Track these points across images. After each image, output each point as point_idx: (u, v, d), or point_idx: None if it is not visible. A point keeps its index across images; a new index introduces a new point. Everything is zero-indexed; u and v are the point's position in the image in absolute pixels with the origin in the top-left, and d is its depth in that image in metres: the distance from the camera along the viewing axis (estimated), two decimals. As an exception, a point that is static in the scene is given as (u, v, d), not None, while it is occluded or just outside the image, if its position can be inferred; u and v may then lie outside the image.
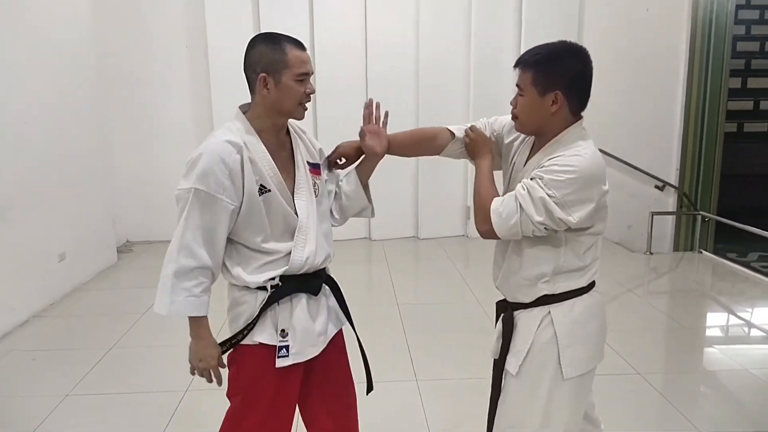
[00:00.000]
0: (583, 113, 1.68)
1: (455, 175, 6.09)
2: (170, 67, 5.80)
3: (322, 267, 1.79)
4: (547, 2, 5.76)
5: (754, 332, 4.02)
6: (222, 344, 1.69)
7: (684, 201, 6.17)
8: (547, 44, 1.64)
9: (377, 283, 4.93)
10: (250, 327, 1.69)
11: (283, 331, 1.71)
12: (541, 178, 1.55)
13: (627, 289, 4.70)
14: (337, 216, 1.94)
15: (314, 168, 1.81)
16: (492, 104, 5.91)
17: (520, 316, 1.75)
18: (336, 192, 1.94)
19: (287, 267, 1.69)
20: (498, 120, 1.90)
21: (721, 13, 5.91)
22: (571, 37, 5.93)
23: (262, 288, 1.69)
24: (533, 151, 1.74)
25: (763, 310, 4.46)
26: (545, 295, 1.68)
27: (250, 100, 1.70)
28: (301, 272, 1.72)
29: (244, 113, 1.71)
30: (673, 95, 6.03)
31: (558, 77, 1.58)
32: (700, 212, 6.00)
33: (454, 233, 6.24)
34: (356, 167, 1.93)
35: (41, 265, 4.20)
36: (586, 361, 1.70)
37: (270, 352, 1.70)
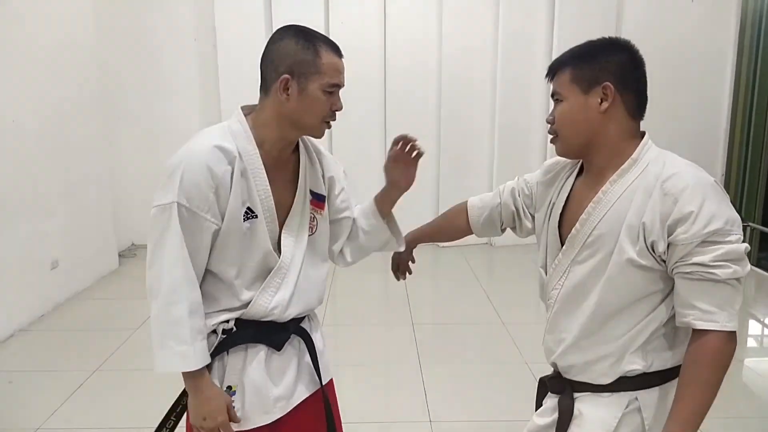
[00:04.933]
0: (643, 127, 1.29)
1: (480, 175, 5.69)
2: (177, 63, 5.48)
3: (295, 317, 1.43)
4: (582, -4, 5.31)
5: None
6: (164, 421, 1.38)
7: (729, 210, 5.67)
8: (580, 44, 1.30)
9: (392, 298, 4.55)
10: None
11: (229, 387, 1.35)
12: (714, 241, 1.14)
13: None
14: (349, 259, 1.60)
15: (318, 200, 1.45)
16: (519, 115, 5.53)
17: (586, 401, 1.31)
18: (352, 230, 1.59)
19: (245, 310, 1.34)
20: (530, 175, 1.57)
21: (773, 5, 5.38)
22: (609, 33, 5.54)
23: (213, 332, 1.35)
24: (584, 182, 1.34)
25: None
26: (631, 376, 1.26)
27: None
28: (266, 319, 1.36)
29: (246, 116, 1.35)
30: (719, 93, 5.54)
31: (602, 67, 1.24)
32: (749, 223, 5.49)
33: (477, 241, 5.81)
34: (375, 197, 1.58)
35: (31, 273, 3.91)
36: None
37: None
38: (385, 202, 1.58)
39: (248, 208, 1.32)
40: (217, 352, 1.35)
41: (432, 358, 3.35)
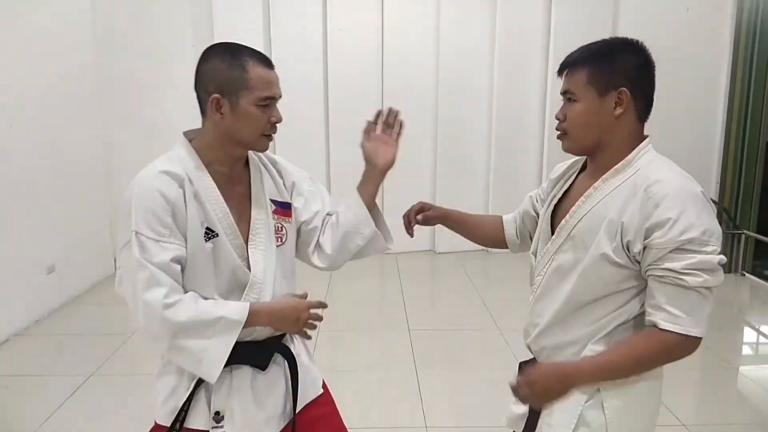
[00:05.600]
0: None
1: (477, 183, 5.72)
2: (175, 68, 5.48)
3: (275, 335, 1.42)
4: (578, 3, 5.34)
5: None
6: None
7: (723, 217, 5.70)
8: (595, 41, 1.29)
9: (388, 304, 4.56)
10: (181, 417, 1.32)
11: (217, 413, 1.34)
12: (688, 249, 1.16)
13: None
14: (329, 251, 1.50)
15: (282, 208, 1.44)
16: (516, 116, 5.56)
17: None
18: (329, 223, 1.54)
19: None
20: (545, 183, 1.57)
21: (768, 14, 5.43)
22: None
23: None
24: (584, 176, 1.37)
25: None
26: None
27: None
28: (246, 339, 1.35)
29: (190, 141, 1.36)
30: (713, 102, 5.57)
31: (620, 71, 1.24)
32: (744, 231, 5.52)
33: (473, 247, 5.79)
34: (357, 187, 1.53)
35: (27, 278, 3.90)
36: None
37: None
38: (366, 189, 1.52)
39: (207, 228, 1.31)
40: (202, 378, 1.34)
41: (428, 364, 3.36)
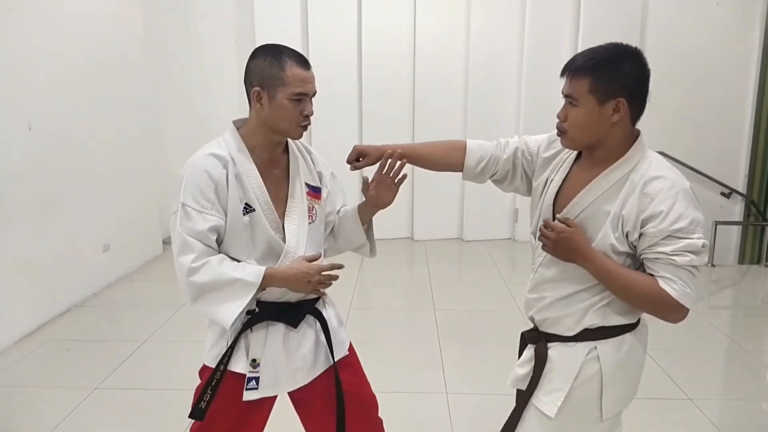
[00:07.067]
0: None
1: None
2: (219, 64, 5.80)
3: (307, 298, 1.66)
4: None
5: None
6: (201, 395, 1.58)
7: (752, 209, 5.74)
8: (598, 47, 1.43)
9: (416, 286, 4.79)
10: (225, 361, 1.58)
11: (254, 360, 1.59)
12: (677, 237, 1.35)
13: (683, 303, 4.37)
14: (334, 244, 1.83)
15: (313, 191, 1.69)
16: (543, 106, 5.70)
17: (556, 349, 1.56)
18: (333, 227, 1.82)
19: (264, 291, 1.57)
20: (532, 139, 1.72)
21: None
22: (634, 33, 5.69)
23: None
24: (581, 166, 1.53)
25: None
26: (592, 329, 1.49)
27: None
28: (280, 300, 1.61)
29: (238, 128, 1.62)
30: (743, 94, 5.59)
31: (620, 82, 1.38)
32: (770, 223, 5.56)
33: (501, 236, 6.03)
34: (358, 205, 1.80)
35: (85, 255, 4.28)
36: (626, 399, 1.56)
37: (239, 381, 1.59)
38: (364, 214, 1.78)
39: (246, 203, 1.54)
40: (244, 329, 1.58)
41: (451, 339, 3.59)
